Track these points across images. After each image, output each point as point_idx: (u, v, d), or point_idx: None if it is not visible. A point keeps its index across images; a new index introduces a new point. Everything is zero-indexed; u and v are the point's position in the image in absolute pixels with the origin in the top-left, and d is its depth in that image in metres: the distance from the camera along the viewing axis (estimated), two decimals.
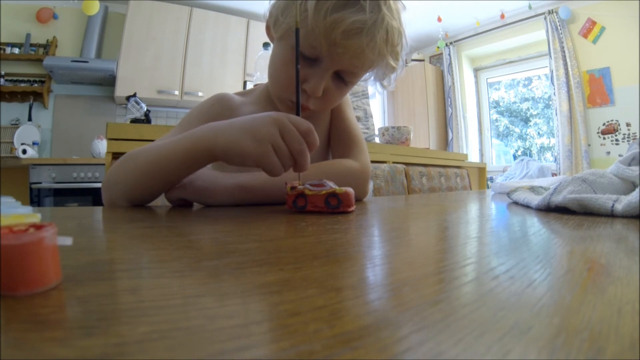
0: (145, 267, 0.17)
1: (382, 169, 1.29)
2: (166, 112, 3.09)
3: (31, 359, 0.08)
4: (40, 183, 2.20)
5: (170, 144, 0.45)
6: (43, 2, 2.78)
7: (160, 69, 2.86)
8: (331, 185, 0.41)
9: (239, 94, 0.67)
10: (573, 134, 2.98)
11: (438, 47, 3.78)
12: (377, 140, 1.81)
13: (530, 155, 3.65)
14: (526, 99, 3.85)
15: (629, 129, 2.78)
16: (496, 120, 3.99)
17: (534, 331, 0.10)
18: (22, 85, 2.66)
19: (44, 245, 0.12)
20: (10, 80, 2.64)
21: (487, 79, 3.92)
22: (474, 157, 3.78)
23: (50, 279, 0.13)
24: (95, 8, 2.64)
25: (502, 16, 3.27)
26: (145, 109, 2.32)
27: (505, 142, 4.01)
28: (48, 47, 2.73)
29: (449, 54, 3.79)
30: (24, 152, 2.41)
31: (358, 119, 1.78)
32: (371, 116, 1.89)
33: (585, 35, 2.97)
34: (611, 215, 0.35)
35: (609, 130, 2.87)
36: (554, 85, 3.07)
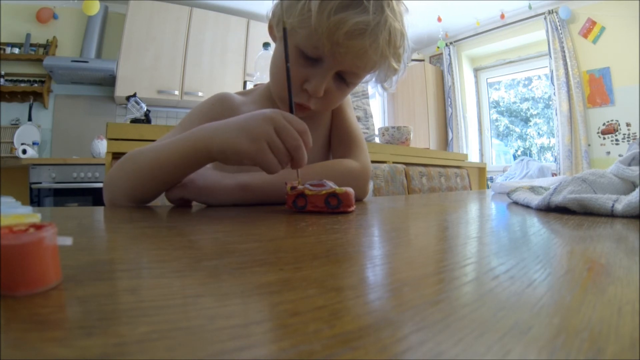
0: (145, 267, 0.17)
1: (382, 169, 1.29)
2: (166, 112, 3.09)
3: (31, 359, 0.08)
4: (40, 183, 2.19)
5: (168, 144, 0.45)
6: (43, 2, 2.78)
7: (160, 69, 2.86)
8: (331, 185, 0.41)
9: (239, 93, 0.67)
10: (573, 134, 2.98)
11: (438, 47, 3.78)
12: (377, 140, 1.81)
13: (530, 155, 3.65)
14: (526, 99, 3.85)
15: (629, 129, 2.78)
16: (496, 120, 3.99)
17: (534, 331, 0.10)
18: (22, 85, 2.66)
19: (44, 245, 0.12)
20: (10, 80, 2.64)
21: (487, 79, 3.92)
22: (474, 157, 3.78)
23: (50, 279, 0.13)
24: (95, 8, 2.64)
25: (502, 16, 3.27)
26: (145, 109, 2.32)
27: (505, 142, 4.01)
28: (48, 47, 2.73)
29: (449, 54, 3.79)
30: (24, 152, 2.41)
31: (358, 119, 1.78)
32: (371, 116, 1.89)
33: (585, 35, 2.97)
34: (611, 215, 0.35)
35: (609, 130, 2.87)
36: (554, 85, 3.07)
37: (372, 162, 1.07)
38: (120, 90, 2.70)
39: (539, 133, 3.79)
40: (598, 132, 2.92)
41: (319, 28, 0.46)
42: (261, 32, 3.12)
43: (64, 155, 2.58)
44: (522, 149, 3.87)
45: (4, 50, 2.63)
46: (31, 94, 2.69)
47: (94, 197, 2.29)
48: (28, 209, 0.15)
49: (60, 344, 0.09)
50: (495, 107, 3.98)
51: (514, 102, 3.93)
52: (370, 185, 0.65)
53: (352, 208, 0.40)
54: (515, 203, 0.51)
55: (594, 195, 0.38)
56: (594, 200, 0.37)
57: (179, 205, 0.49)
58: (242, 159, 0.41)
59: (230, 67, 3.10)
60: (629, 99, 2.76)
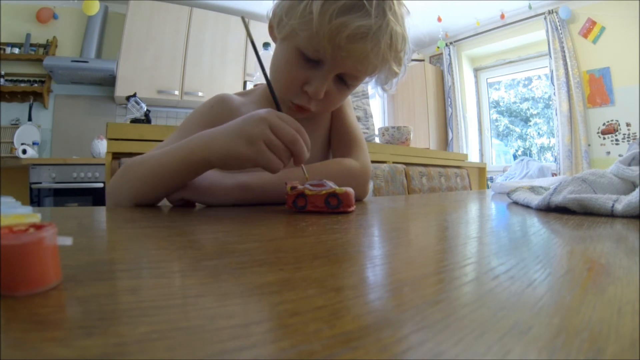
0: (145, 267, 0.17)
1: (382, 169, 1.29)
2: (166, 112, 3.09)
3: (31, 359, 0.08)
4: (40, 183, 2.19)
5: (167, 153, 0.46)
6: (43, 2, 2.78)
7: (160, 69, 2.85)
8: (331, 185, 0.41)
9: (239, 94, 0.67)
10: (573, 134, 2.98)
11: (438, 47, 3.78)
12: (377, 140, 1.81)
13: (530, 155, 3.65)
14: (526, 99, 3.85)
15: (629, 129, 2.78)
16: (496, 120, 3.99)
17: (534, 331, 0.10)
18: (22, 85, 2.66)
19: (44, 245, 0.12)
20: (10, 80, 2.64)
21: (487, 79, 3.92)
22: (474, 157, 3.78)
23: (50, 279, 0.13)
24: (95, 8, 2.63)
25: (502, 16, 3.27)
26: (145, 109, 2.32)
27: (505, 142, 4.01)
28: (48, 47, 2.73)
29: (449, 54, 3.79)
30: (24, 152, 2.41)
31: (358, 119, 1.78)
32: (371, 116, 1.89)
33: (585, 35, 2.97)
34: (611, 215, 0.35)
35: (609, 130, 2.87)
36: (554, 85, 3.07)
37: (372, 162, 1.07)
38: (120, 90, 2.70)
39: (539, 133, 3.79)
40: (598, 132, 2.92)
41: (321, 31, 0.46)
42: (261, 32, 3.08)
43: (64, 155, 2.58)
44: (522, 149, 3.87)
45: (4, 50, 2.63)
46: (31, 94, 2.69)
47: (94, 197, 2.29)
48: (28, 209, 0.15)
49: (60, 344, 0.09)
50: (495, 107, 3.98)
51: (514, 102, 3.93)
52: (370, 185, 0.65)
53: (352, 208, 0.40)
54: (515, 203, 0.51)
55: (594, 195, 0.38)
56: (594, 200, 0.37)
57: (181, 206, 0.49)
58: (243, 162, 0.42)
59: (230, 67, 3.10)
60: (629, 99, 2.76)
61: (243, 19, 0.47)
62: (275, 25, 0.54)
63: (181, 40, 2.95)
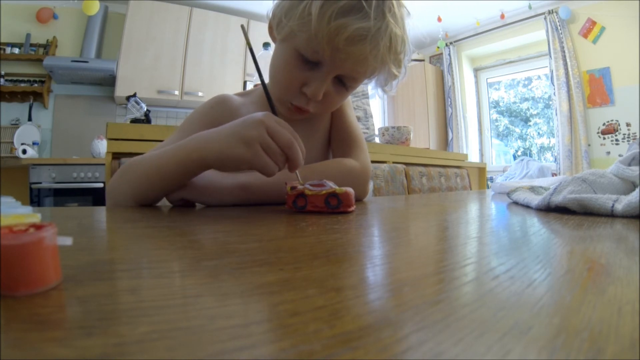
0: (145, 267, 0.17)
1: (382, 169, 1.29)
2: (166, 112, 3.09)
3: (31, 359, 0.08)
4: (40, 183, 2.19)
5: (165, 153, 0.46)
6: (43, 2, 2.78)
7: (160, 69, 2.85)
8: (331, 185, 0.41)
9: (239, 94, 0.67)
10: (573, 134, 2.98)
11: (438, 47, 3.78)
12: (377, 140, 1.81)
13: (530, 155, 3.65)
14: (526, 99, 3.85)
15: (629, 129, 2.78)
16: (496, 120, 3.99)
17: (534, 331, 0.10)
18: (22, 85, 2.66)
19: (44, 245, 0.12)
20: (10, 80, 2.64)
21: (487, 79, 3.92)
22: (474, 157, 3.78)
23: (50, 279, 0.13)
24: (95, 8, 2.63)
25: (502, 16, 3.27)
26: (145, 109, 2.32)
27: (505, 142, 4.01)
28: (48, 47, 2.73)
29: (449, 54, 3.79)
30: (24, 152, 2.41)
31: (358, 119, 1.78)
32: (371, 116, 1.89)
33: (585, 35, 2.97)
34: (611, 215, 0.35)
35: (609, 130, 2.87)
36: (554, 85, 3.07)
37: (372, 162, 1.07)
38: (120, 90, 2.70)
39: (539, 133, 3.79)
40: (598, 132, 2.92)
41: (319, 33, 0.46)
42: (261, 32, 3.10)
43: (64, 155, 2.58)
44: (522, 149, 3.87)
45: (4, 50, 2.63)
46: (31, 94, 2.69)
47: (94, 197, 2.29)
48: (28, 209, 0.15)
49: (60, 344, 0.09)
50: (495, 107, 3.98)
51: (514, 102, 3.93)
52: (370, 185, 0.65)
53: (352, 208, 0.40)
54: (515, 203, 0.51)
55: (594, 195, 0.38)
56: (594, 200, 0.37)
57: (181, 206, 0.49)
58: (239, 165, 0.42)
59: (230, 67, 3.10)
60: (629, 99, 2.76)
61: (243, 27, 0.47)
62: (275, 26, 0.53)
63: (181, 40, 2.95)
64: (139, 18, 2.82)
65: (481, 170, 2.21)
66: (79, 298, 0.12)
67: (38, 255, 0.12)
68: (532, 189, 0.55)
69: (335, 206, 0.39)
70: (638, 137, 2.70)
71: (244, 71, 3.14)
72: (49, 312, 0.11)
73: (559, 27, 3.02)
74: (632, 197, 0.34)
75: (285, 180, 0.45)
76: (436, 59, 4.03)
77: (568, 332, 0.09)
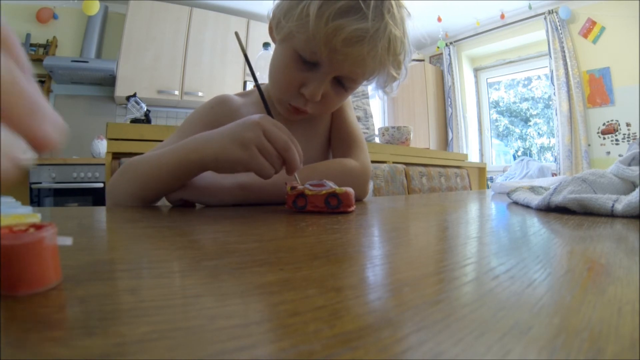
0: (145, 267, 0.17)
1: (382, 169, 1.29)
2: (166, 112, 3.09)
3: (31, 359, 0.08)
4: (40, 183, 2.19)
5: (164, 154, 0.46)
6: (43, 2, 2.78)
7: (160, 69, 2.85)
8: (331, 185, 0.41)
9: (239, 95, 0.67)
10: (573, 134, 2.98)
11: (438, 47, 3.78)
12: (377, 140, 1.81)
13: (530, 155, 3.65)
14: (526, 99, 3.85)
15: (629, 129, 2.78)
16: (496, 120, 3.99)
17: (534, 331, 0.10)
18: None
19: (44, 245, 0.12)
20: None
21: (487, 79, 3.92)
22: (474, 157, 3.78)
23: (50, 279, 0.13)
24: (95, 8, 2.63)
25: (502, 16, 3.27)
26: (145, 109, 2.32)
27: (505, 142, 4.01)
28: (48, 47, 2.73)
29: (449, 54, 3.79)
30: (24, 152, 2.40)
31: (358, 119, 1.78)
32: (371, 116, 1.89)
33: (585, 35, 2.97)
34: (611, 215, 0.35)
35: (609, 130, 2.87)
36: (554, 85, 3.07)
37: (372, 162, 1.07)
38: (120, 90, 2.70)
39: (539, 133, 3.79)
40: (598, 132, 2.92)
41: (317, 34, 0.45)
42: (261, 32, 3.12)
43: (64, 155, 2.57)
44: (522, 149, 3.87)
45: None
46: None
47: (94, 197, 2.29)
48: (28, 209, 0.15)
49: (60, 344, 0.09)
50: (495, 107, 3.98)
51: (514, 102, 3.93)
52: (370, 185, 0.65)
53: (352, 208, 0.40)
54: (515, 203, 0.51)
55: (594, 195, 0.38)
56: (594, 200, 0.37)
57: (181, 206, 0.49)
58: (235, 166, 0.42)
59: (230, 67, 3.10)
60: (629, 99, 2.76)
61: (237, 34, 0.47)
62: (274, 26, 0.53)
63: (181, 40, 2.95)
64: (139, 18, 2.82)
65: (481, 170, 2.21)
66: (79, 298, 0.12)
67: (38, 255, 0.12)
68: (532, 189, 0.55)
69: (335, 206, 0.39)
70: (638, 137, 2.70)
71: (244, 71, 3.14)
72: (49, 312, 0.11)
73: (559, 27, 3.02)
74: (632, 197, 0.34)
75: (285, 180, 0.45)
76: (436, 59, 4.03)
77: (568, 332, 0.09)
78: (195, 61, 2.98)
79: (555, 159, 3.10)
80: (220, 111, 0.60)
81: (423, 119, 3.78)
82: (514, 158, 3.71)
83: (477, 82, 3.95)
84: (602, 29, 2.89)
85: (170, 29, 2.91)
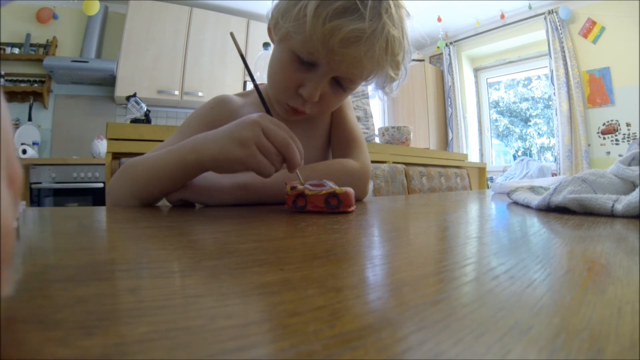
0: (145, 267, 0.17)
1: (382, 169, 1.29)
2: (166, 112, 3.09)
3: (31, 359, 0.08)
4: (40, 183, 2.20)
5: (163, 155, 0.46)
6: (43, 2, 2.78)
7: (160, 69, 2.86)
8: (331, 185, 0.41)
9: (239, 95, 0.67)
10: (573, 134, 2.98)
11: (438, 47, 3.78)
12: (377, 140, 1.81)
13: (530, 155, 3.65)
14: (526, 99, 3.85)
15: (629, 129, 2.78)
16: (496, 120, 3.99)
17: (534, 331, 0.10)
18: (22, 85, 2.66)
19: None
20: (10, 80, 2.64)
21: (487, 79, 3.92)
22: (474, 157, 3.78)
23: None
24: (95, 8, 2.64)
25: (502, 16, 3.27)
26: (145, 109, 2.31)
27: (505, 142, 4.01)
28: (48, 47, 2.73)
29: (449, 54, 3.79)
30: (24, 152, 2.41)
31: (358, 119, 1.78)
32: (371, 116, 1.89)
33: (585, 35, 2.97)
34: (611, 215, 0.35)
35: (609, 130, 2.87)
36: (554, 85, 3.07)
37: (372, 162, 1.07)
38: (120, 90, 2.70)
39: (539, 133, 3.79)
40: (598, 132, 2.92)
41: (314, 34, 0.45)
42: (261, 32, 3.12)
43: (64, 155, 2.58)
44: (522, 149, 3.87)
45: (4, 50, 2.63)
46: (31, 94, 2.69)
47: (94, 197, 2.29)
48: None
49: (60, 344, 0.09)
50: (495, 107, 3.98)
51: (514, 102, 3.93)
52: (370, 185, 0.65)
53: (352, 208, 0.40)
54: (515, 203, 0.51)
55: (594, 195, 0.38)
56: (594, 200, 0.37)
57: (180, 206, 0.49)
58: (235, 165, 0.42)
59: (230, 67, 3.10)
60: (629, 99, 2.76)
61: (232, 35, 0.48)
62: (272, 27, 0.53)
63: (181, 40, 2.95)
64: (139, 18, 2.82)
65: (481, 170, 2.21)
66: (79, 298, 0.12)
67: None
68: (532, 189, 0.55)
69: (335, 206, 0.39)
70: (638, 137, 2.70)
71: (244, 71, 3.14)
72: (49, 312, 0.11)
73: (559, 27, 3.02)
74: (632, 197, 0.34)
75: (285, 180, 0.45)
76: (436, 59, 4.04)
77: (568, 332, 0.09)
78: (195, 61, 2.98)
79: (555, 159, 3.10)
80: (220, 111, 0.60)
81: (423, 119, 3.78)
82: (514, 158, 3.71)
83: (477, 82, 3.95)
84: (602, 29, 2.89)
85: (170, 29, 2.92)
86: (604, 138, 2.89)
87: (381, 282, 0.15)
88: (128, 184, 0.48)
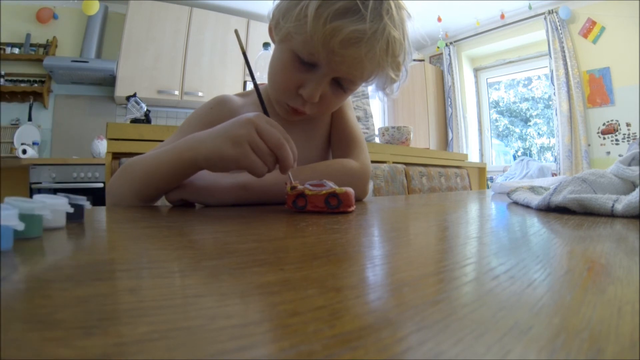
0: (145, 267, 0.17)
1: (382, 169, 1.29)
2: (166, 112, 3.09)
3: (31, 359, 0.08)
4: (40, 183, 2.19)
5: (160, 154, 0.46)
6: (43, 2, 2.78)
7: (160, 69, 2.86)
8: (331, 185, 0.41)
9: (239, 95, 0.67)
10: (573, 134, 2.98)
11: (438, 47, 3.78)
12: (377, 140, 1.81)
13: (530, 155, 3.65)
14: (526, 99, 3.85)
15: (629, 129, 2.78)
16: (496, 120, 3.99)
17: (534, 331, 0.10)
18: (22, 85, 2.66)
19: None
20: (10, 80, 2.64)
21: (487, 79, 3.92)
22: (474, 157, 3.78)
23: None
24: (95, 8, 2.64)
25: (502, 16, 3.27)
26: (145, 109, 2.31)
27: (505, 142, 4.01)
28: (48, 47, 2.73)
29: (449, 54, 3.79)
30: (24, 152, 2.41)
31: (358, 119, 1.78)
32: (371, 116, 1.89)
33: (585, 35, 2.97)
34: (611, 215, 0.35)
35: (609, 130, 2.87)
36: (554, 85, 3.07)
37: (372, 162, 1.07)
38: (120, 90, 2.70)
39: (539, 133, 3.79)
40: (598, 132, 2.92)
41: (315, 35, 0.45)
42: (261, 32, 3.12)
43: (64, 155, 2.58)
44: (522, 149, 3.87)
45: (4, 50, 2.63)
46: (31, 94, 2.69)
47: (94, 197, 2.28)
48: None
49: (60, 344, 0.09)
50: (495, 107, 3.98)
51: (514, 102, 3.93)
52: (370, 185, 0.65)
53: (352, 208, 0.40)
54: (515, 203, 0.51)
55: (594, 195, 0.38)
56: (594, 200, 0.37)
57: (180, 206, 0.49)
58: (228, 164, 0.42)
59: (230, 67, 3.10)
60: (629, 99, 2.76)
61: (236, 32, 0.47)
62: (273, 27, 0.53)
63: (181, 40, 2.95)
64: (139, 18, 2.82)
65: (481, 170, 2.21)
66: (79, 298, 0.12)
67: None
68: (532, 189, 0.55)
69: (335, 206, 0.39)
70: (638, 137, 2.70)
71: (244, 71, 3.14)
72: (49, 312, 0.11)
73: (559, 27, 3.02)
74: (632, 197, 0.34)
75: (284, 180, 0.45)
76: (436, 59, 4.03)
77: (568, 332, 0.09)
78: (195, 61, 2.98)
79: (555, 159, 3.10)
80: (219, 111, 0.60)
81: (423, 119, 3.78)
82: (514, 158, 3.71)
83: (477, 82, 3.95)
84: (602, 29, 2.89)
85: (170, 29, 2.92)
86: (604, 138, 2.89)
87: (381, 282, 0.15)
88: (127, 183, 0.49)
